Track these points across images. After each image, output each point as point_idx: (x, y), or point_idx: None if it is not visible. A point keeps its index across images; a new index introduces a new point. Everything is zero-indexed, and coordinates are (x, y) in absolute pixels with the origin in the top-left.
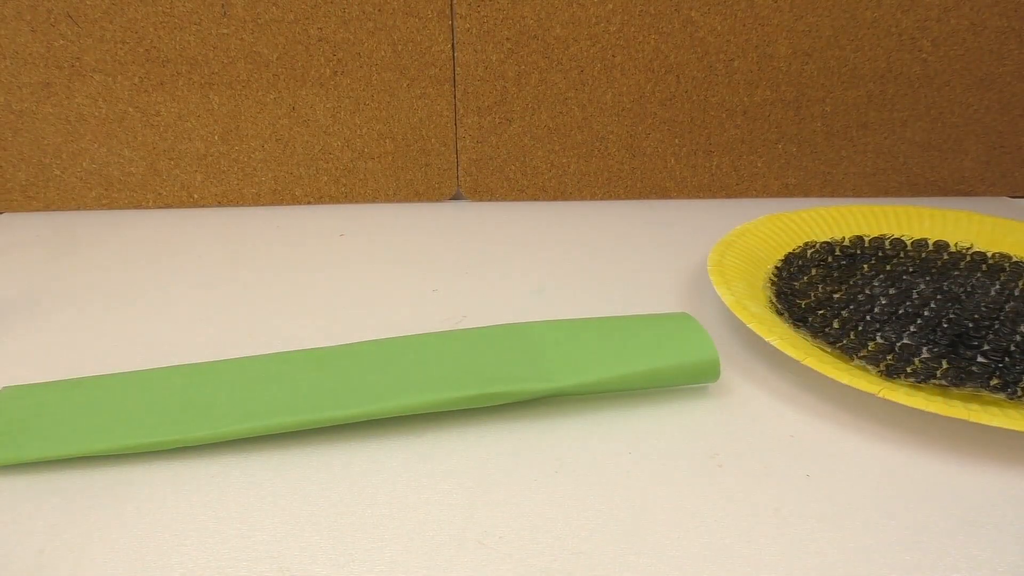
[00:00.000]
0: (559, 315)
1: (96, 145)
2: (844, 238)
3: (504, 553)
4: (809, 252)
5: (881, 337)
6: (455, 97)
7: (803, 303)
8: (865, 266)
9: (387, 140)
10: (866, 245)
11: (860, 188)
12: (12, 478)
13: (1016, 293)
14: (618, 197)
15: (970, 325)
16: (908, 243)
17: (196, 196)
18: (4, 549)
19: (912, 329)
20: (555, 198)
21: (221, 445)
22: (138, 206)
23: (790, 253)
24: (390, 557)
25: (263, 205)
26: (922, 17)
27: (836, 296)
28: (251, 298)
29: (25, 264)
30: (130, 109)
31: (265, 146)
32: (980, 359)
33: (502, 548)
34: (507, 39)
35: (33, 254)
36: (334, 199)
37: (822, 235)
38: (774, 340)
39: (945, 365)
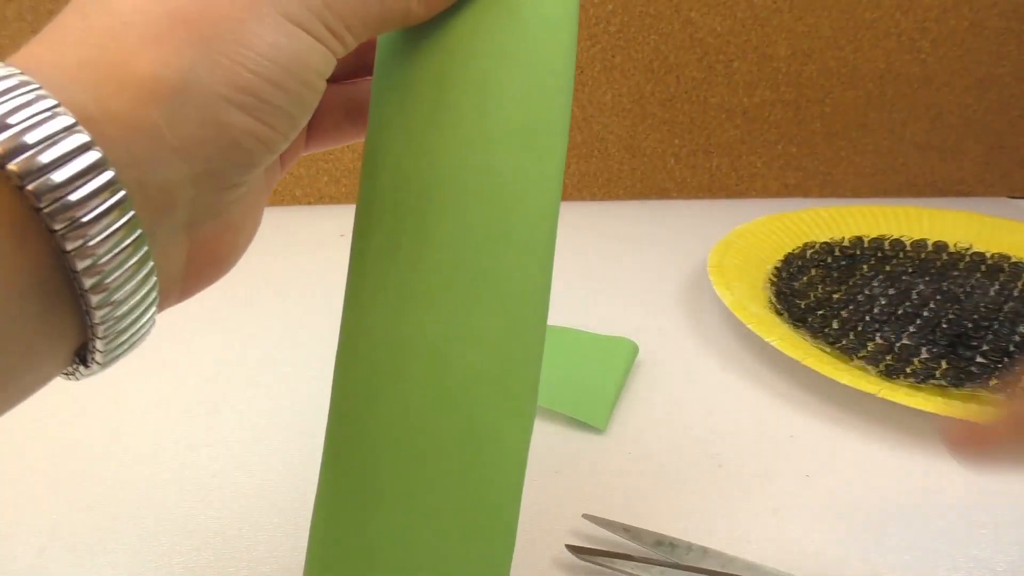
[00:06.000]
0: (557, 316)
1: None
2: (844, 238)
3: None
4: (809, 252)
5: (880, 337)
6: None
7: (803, 303)
8: (864, 266)
9: None
10: (865, 245)
11: (859, 188)
12: None
13: (1015, 293)
14: (618, 197)
15: (969, 325)
16: (907, 243)
17: None
18: None
19: (911, 329)
20: None
21: None
22: None
23: (790, 253)
24: None
25: None
26: (921, 18)
27: (836, 296)
28: (250, 298)
29: None
30: None
31: None
32: (979, 359)
33: None
34: None
35: None
36: (334, 199)
37: (822, 235)
38: (774, 340)
39: (944, 365)
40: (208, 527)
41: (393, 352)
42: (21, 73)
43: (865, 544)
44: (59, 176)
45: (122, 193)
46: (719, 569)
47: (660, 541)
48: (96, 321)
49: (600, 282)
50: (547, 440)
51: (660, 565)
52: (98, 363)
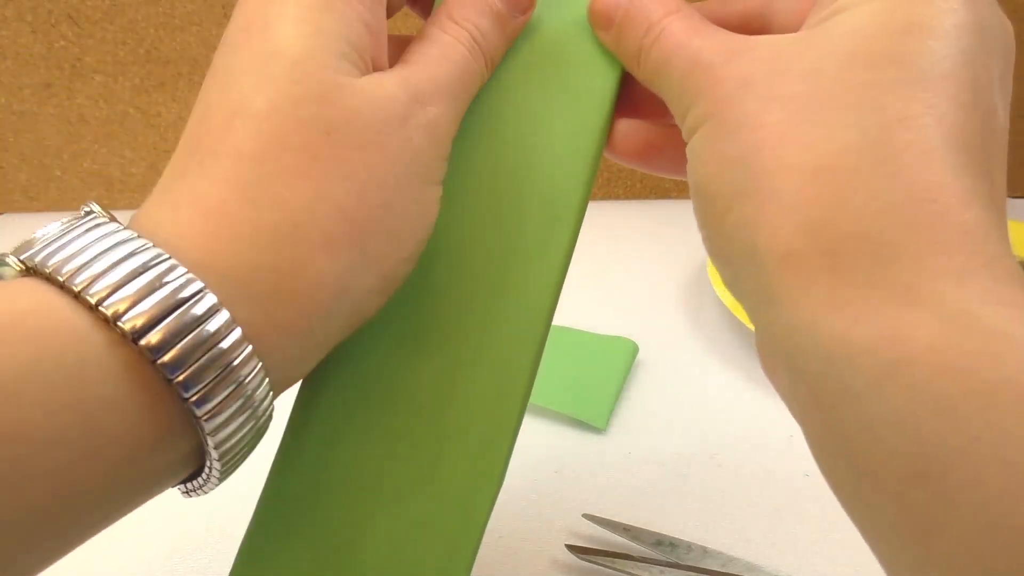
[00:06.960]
0: (557, 316)
1: (97, 146)
2: None
3: (500, 549)
4: None
5: None
6: None
7: None
8: None
9: None
10: None
11: None
12: None
13: None
14: (618, 197)
15: None
16: None
17: None
18: None
19: None
20: None
21: None
22: (139, 207)
23: None
24: None
25: None
26: None
27: None
28: None
29: None
30: (131, 110)
31: None
32: None
33: (502, 544)
34: None
35: None
36: None
37: None
38: None
39: None
40: (208, 527)
41: (384, 337)
42: (204, 287)
43: (865, 544)
44: (217, 393)
45: (270, 396)
46: (719, 569)
47: (660, 541)
48: (215, 460)
49: (600, 282)
50: (547, 440)
51: (660, 565)
52: (211, 486)
